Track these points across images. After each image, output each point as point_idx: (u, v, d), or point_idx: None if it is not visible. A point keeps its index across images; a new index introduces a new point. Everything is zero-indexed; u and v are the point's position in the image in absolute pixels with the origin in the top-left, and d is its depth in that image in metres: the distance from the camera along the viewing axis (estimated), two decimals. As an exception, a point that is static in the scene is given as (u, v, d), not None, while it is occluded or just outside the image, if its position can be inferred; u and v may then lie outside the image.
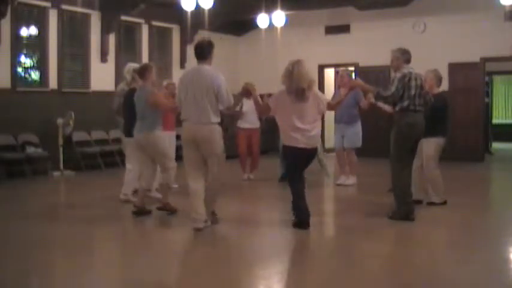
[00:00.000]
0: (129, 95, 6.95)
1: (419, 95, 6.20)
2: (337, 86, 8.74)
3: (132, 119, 6.76)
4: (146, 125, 6.47)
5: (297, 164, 5.97)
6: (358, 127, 8.83)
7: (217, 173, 5.83)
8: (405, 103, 6.12)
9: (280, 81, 5.85)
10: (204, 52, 5.84)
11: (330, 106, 6.18)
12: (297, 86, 5.70)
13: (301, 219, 5.88)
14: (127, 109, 6.99)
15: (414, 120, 6.19)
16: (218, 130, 5.79)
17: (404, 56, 6.23)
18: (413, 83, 6.12)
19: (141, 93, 6.55)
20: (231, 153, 8.20)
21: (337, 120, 8.90)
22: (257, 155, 9.63)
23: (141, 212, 6.53)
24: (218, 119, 5.80)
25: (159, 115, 6.56)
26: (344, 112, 8.55)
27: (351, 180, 8.90)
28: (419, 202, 6.91)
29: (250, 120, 9.41)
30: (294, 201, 5.94)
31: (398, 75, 6.15)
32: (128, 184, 7.35)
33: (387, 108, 7.29)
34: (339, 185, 8.88)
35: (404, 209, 6.23)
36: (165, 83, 8.31)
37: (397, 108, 6.22)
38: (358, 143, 8.87)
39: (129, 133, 6.94)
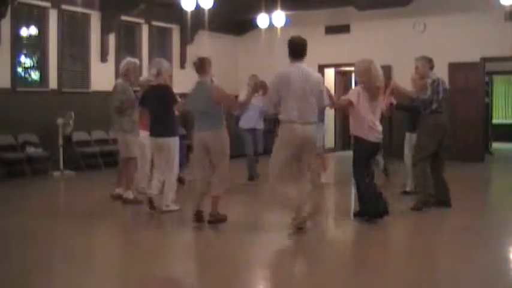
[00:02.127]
0: (159, 91, 6.59)
1: (443, 98, 6.77)
2: None
3: (165, 116, 6.50)
4: (211, 122, 5.96)
5: (369, 158, 6.21)
6: (322, 127, 9.04)
7: (316, 171, 5.82)
8: (434, 106, 6.71)
9: (356, 78, 6.12)
10: (303, 50, 5.75)
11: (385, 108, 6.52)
12: (374, 83, 5.96)
13: (379, 211, 6.09)
14: (157, 106, 6.58)
15: (441, 121, 6.83)
16: None
17: (430, 63, 6.89)
18: (440, 87, 6.74)
19: (201, 88, 6.07)
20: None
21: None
22: None
23: (218, 219, 6.02)
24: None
25: (222, 112, 6.11)
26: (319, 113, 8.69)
27: (324, 178, 9.06)
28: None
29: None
30: (365, 194, 6.10)
31: (429, 81, 6.69)
32: (167, 194, 6.68)
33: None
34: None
35: (424, 199, 6.80)
36: (141, 78, 7.80)
37: (427, 111, 6.75)
38: (322, 142, 9.07)
39: (158, 133, 6.59)
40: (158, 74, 6.67)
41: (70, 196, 8.84)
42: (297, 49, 5.71)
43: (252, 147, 9.27)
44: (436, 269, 4.68)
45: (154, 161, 6.83)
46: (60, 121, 10.15)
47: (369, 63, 6.08)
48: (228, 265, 4.88)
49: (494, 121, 17.22)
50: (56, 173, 10.07)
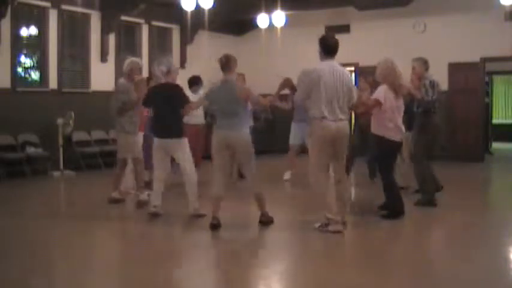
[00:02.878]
0: (167, 89, 6.36)
1: (438, 99, 6.97)
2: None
3: (172, 116, 6.28)
4: (237, 122, 5.81)
5: (394, 155, 6.45)
6: None
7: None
8: (430, 106, 6.91)
9: (379, 78, 6.27)
10: (337, 48, 5.76)
11: None
12: (398, 82, 6.14)
13: (399, 209, 6.30)
14: (164, 105, 6.34)
15: (437, 121, 7.04)
16: None
17: (425, 65, 7.08)
18: (436, 89, 6.93)
19: (227, 87, 5.89)
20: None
21: (297, 120, 9.16)
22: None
23: (269, 219, 6.01)
24: None
25: (247, 111, 6.03)
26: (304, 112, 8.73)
27: None
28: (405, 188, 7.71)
29: (199, 115, 8.89)
30: (392, 192, 6.30)
31: (427, 82, 6.89)
32: (157, 194, 6.53)
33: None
34: (287, 180, 9.30)
35: (427, 196, 6.96)
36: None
37: (420, 110, 6.93)
38: None
39: (164, 134, 6.36)
40: (168, 72, 6.47)
41: (70, 196, 8.84)
42: (332, 47, 5.73)
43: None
44: (436, 268, 4.68)
45: (154, 161, 6.61)
46: (60, 121, 10.15)
47: (391, 63, 6.25)
48: (229, 266, 4.88)
49: (494, 121, 17.22)
50: (56, 173, 10.08)
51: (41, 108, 10.22)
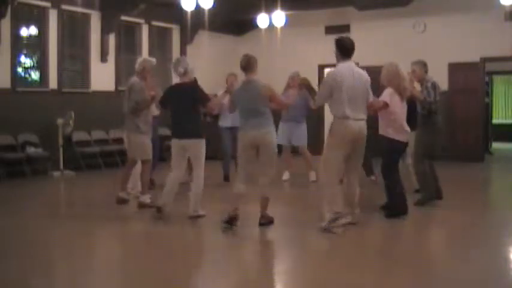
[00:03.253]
0: (185, 89, 6.34)
1: (439, 101, 7.04)
2: (287, 87, 8.90)
3: (189, 116, 6.26)
4: (262, 121, 5.86)
5: (399, 156, 6.61)
6: (305, 126, 9.25)
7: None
8: (433, 107, 6.98)
9: (384, 81, 6.33)
10: (353, 49, 5.84)
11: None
12: (403, 85, 6.26)
13: (402, 209, 6.39)
14: (181, 105, 6.31)
15: (439, 123, 7.12)
16: None
17: (425, 67, 7.12)
18: (437, 90, 7.01)
19: (250, 87, 5.93)
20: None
21: (285, 120, 9.16)
22: None
23: (269, 220, 6.03)
24: None
25: (270, 111, 6.00)
26: (295, 112, 8.80)
27: (312, 176, 9.10)
28: None
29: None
30: (394, 192, 6.38)
31: (429, 84, 6.96)
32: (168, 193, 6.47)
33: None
34: (285, 181, 9.27)
35: (427, 195, 7.02)
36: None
37: (425, 112, 6.98)
38: (306, 140, 9.24)
39: (182, 134, 6.32)
40: (185, 72, 6.45)
41: (70, 196, 8.85)
42: (349, 48, 5.82)
43: (229, 147, 8.86)
44: (436, 268, 4.68)
45: (172, 161, 6.51)
46: (60, 121, 10.16)
47: (396, 66, 6.35)
48: (229, 266, 4.88)
49: (494, 121, 17.22)
50: (56, 173, 10.08)
51: (41, 108, 10.22)
